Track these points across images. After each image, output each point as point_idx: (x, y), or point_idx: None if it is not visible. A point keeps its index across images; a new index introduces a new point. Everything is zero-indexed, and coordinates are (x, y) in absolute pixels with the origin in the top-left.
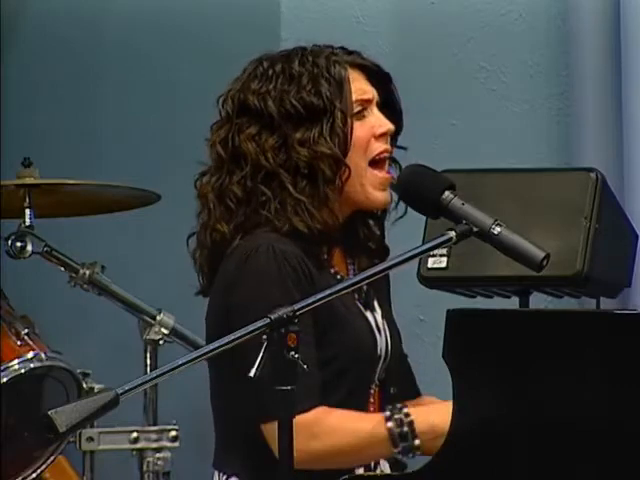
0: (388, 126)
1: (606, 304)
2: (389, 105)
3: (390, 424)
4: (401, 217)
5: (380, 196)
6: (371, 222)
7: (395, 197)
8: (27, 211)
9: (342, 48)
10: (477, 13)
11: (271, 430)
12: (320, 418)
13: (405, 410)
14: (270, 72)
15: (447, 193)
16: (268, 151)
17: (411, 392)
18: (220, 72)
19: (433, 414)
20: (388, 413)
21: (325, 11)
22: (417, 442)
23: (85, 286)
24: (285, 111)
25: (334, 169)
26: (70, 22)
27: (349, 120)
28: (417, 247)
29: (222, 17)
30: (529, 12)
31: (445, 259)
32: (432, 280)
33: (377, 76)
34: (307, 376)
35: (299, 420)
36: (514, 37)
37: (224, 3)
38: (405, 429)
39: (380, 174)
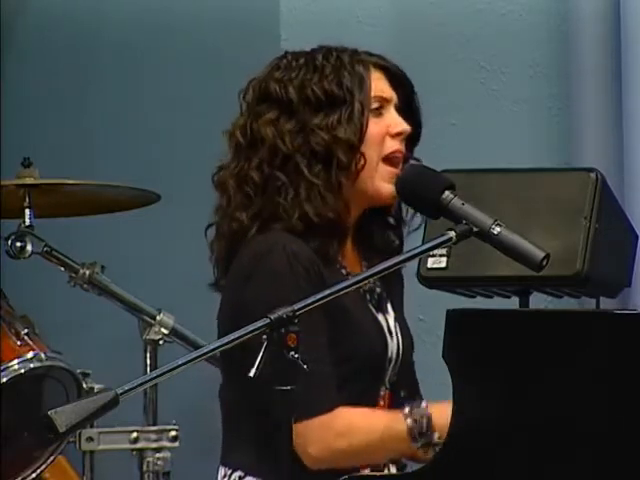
0: (403, 126)
1: (606, 304)
2: (408, 111)
3: (409, 420)
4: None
5: (388, 188)
6: (390, 221)
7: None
8: (27, 211)
9: (365, 52)
10: (477, 13)
11: (303, 428)
12: (342, 417)
13: (423, 405)
14: (294, 64)
15: (447, 193)
16: (286, 135)
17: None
18: (219, 72)
19: (449, 409)
20: (407, 410)
21: (325, 11)
22: (436, 436)
23: (85, 286)
24: (305, 97)
25: (349, 156)
26: (70, 22)
27: (366, 112)
28: (417, 247)
29: (221, 17)
30: (529, 12)
31: (445, 259)
32: (432, 280)
33: (399, 80)
34: (323, 376)
35: (322, 420)
36: (514, 37)
37: (223, 3)
38: (424, 424)
39: (392, 170)
